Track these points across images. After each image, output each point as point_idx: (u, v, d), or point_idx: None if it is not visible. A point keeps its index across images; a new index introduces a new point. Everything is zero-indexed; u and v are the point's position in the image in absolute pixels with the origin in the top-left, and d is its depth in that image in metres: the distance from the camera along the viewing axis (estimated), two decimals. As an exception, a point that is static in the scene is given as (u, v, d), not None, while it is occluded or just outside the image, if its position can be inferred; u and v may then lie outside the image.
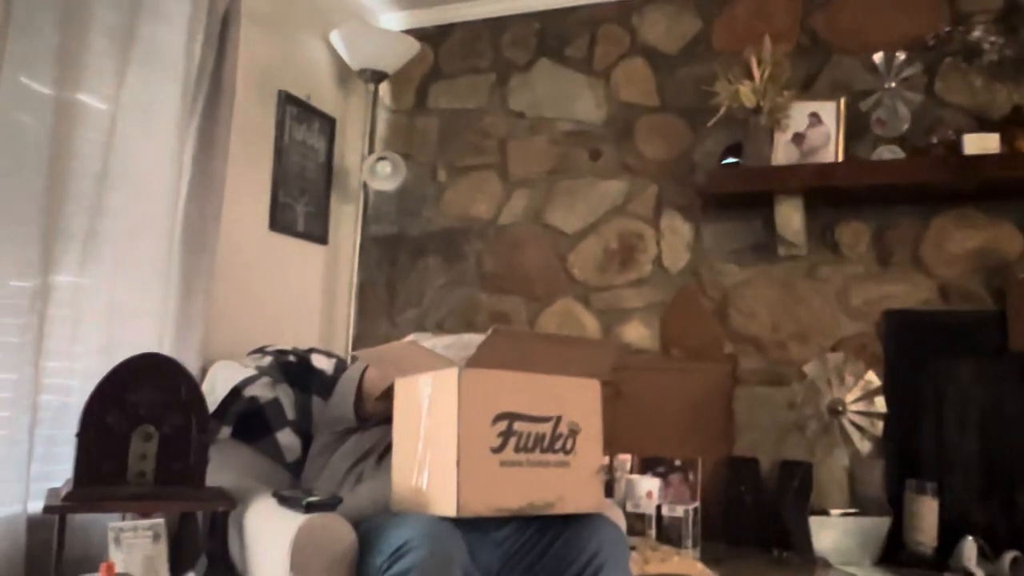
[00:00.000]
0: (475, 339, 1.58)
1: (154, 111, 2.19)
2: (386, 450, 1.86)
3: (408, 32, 3.12)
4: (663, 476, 2.51)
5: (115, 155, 2.06)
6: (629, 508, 2.37)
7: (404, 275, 3.11)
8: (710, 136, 2.70)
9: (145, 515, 1.61)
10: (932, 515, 2.27)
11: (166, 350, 2.08)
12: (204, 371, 2.22)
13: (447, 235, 3.07)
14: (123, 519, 1.62)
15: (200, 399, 1.72)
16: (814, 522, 2.30)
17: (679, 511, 2.35)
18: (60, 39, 1.90)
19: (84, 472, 1.58)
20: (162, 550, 1.59)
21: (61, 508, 1.55)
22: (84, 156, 1.98)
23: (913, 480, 2.33)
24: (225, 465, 1.94)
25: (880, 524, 2.30)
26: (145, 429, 1.65)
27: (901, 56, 2.46)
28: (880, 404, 2.34)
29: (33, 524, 1.78)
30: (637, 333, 2.77)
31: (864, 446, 2.35)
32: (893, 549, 2.30)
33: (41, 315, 1.85)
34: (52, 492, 1.65)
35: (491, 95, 3.08)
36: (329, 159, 3.02)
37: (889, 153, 2.41)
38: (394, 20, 3.20)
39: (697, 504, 2.43)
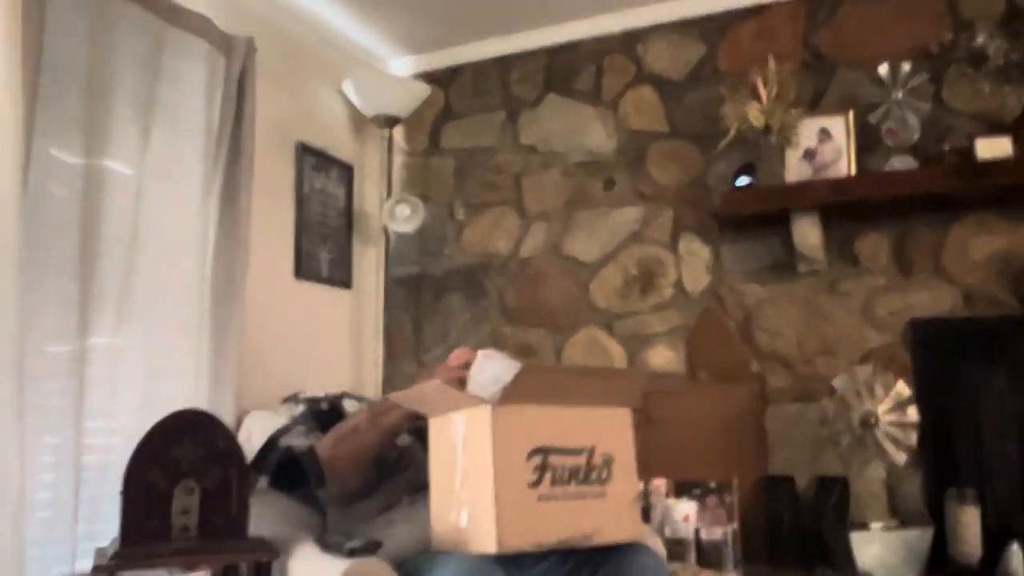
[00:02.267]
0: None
1: (178, 172, 2.25)
2: (416, 491, 1.89)
3: (418, 76, 3.19)
4: (699, 499, 2.50)
5: (143, 217, 2.12)
6: (667, 533, 2.37)
7: (428, 314, 3.15)
8: (722, 158, 2.73)
9: (191, 569, 1.63)
10: (975, 524, 2.24)
11: (202, 404, 2.12)
12: (239, 422, 2.26)
13: (468, 272, 3.11)
14: (170, 574, 1.65)
15: (238, 451, 1.74)
16: (855, 537, 2.27)
17: (718, 533, 2.35)
18: (85, 110, 1.98)
19: (129, 530, 1.60)
20: (209, 603, 1.61)
21: (109, 567, 1.57)
22: (113, 220, 2.05)
23: (953, 489, 2.31)
24: (265, 515, 1.96)
25: (923, 536, 2.28)
26: (187, 484, 1.67)
27: (906, 66, 2.48)
28: (912, 414, 2.33)
29: (82, 584, 1.81)
30: (663, 357, 2.78)
31: (900, 457, 2.33)
32: (937, 561, 2.26)
33: (80, 377, 1.90)
34: (100, 552, 1.67)
35: (503, 132, 3.13)
36: (349, 205, 3.08)
37: (901, 163, 2.42)
38: (404, 65, 3.27)
39: (735, 525, 2.42)
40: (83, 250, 1.93)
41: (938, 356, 2.44)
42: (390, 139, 3.14)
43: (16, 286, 1.73)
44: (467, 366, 1.80)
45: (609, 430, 1.65)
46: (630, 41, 2.96)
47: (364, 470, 1.89)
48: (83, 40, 1.98)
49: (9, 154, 1.75)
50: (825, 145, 2.54)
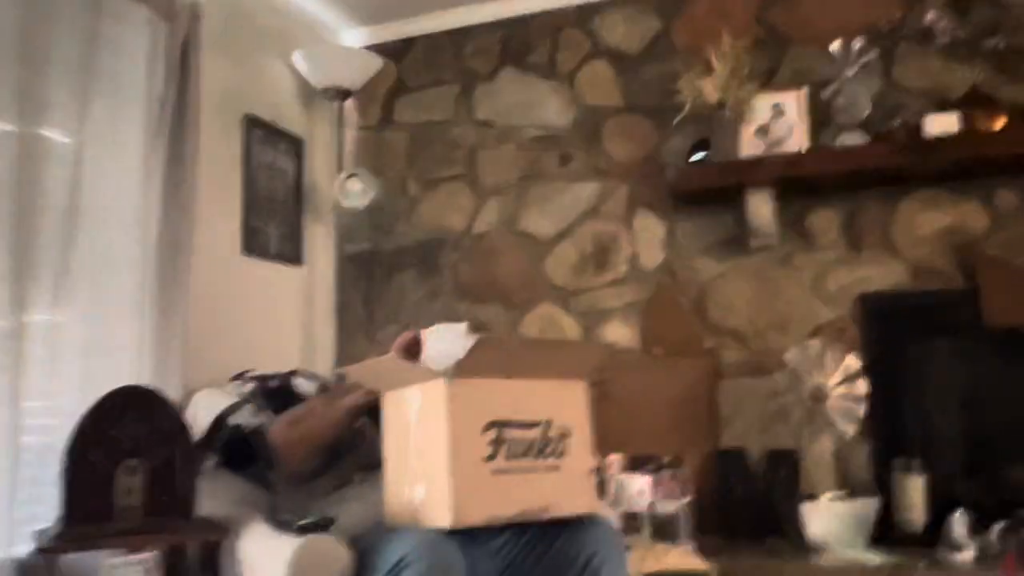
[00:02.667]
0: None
1: (119, 143, 2.17)
2: (369, 469, 1.86)
3: (370, 48, 3.12)
4: (653, 473, 2.51)
5: (82, 189, 2.04)
6: (622, 508, 2.37)
7: (381, 291, 3.10)
8: (677, 134, 2.73)
9: (136, 549, 1.59)
10: (920, 493, 2.30)
11: (146, 382, 2.06)
12: (186, 401, 2.20)
13: (422, 248, 3.07)
14: (114, 555, 1.60)
15: (184, 429, 1.70)
16: (805, 508, 2.32)
17: (671, 507, 2.36)
18: (20, 76, 1.89)
19: (71, 511, 1.55)
20: (156, 585, 1.56)
21: (51, 549, 1.52)
22: (51, 192, 1.96)
23: (900, 460, 2.36)
24: (214, 495, 1.92)
25: (870, 505, 2.33)
26: (129, 463, 1.62)
27: (858, 43, 2.50)
28: (861, 387, 2.37)
29: (22, 568, 1.74)
30: (618, 333, 2.78)
31: (849, 429, 2.37)
32: (885, 529, 2.32)
33: (17, 355, 1.82)
34: (40, 533, 1.62)
35: (457, 106, 3.09)
36: (299, 180, 3.01)
37: (852, 140, 2.45)
38: (355, 37, 3.20)
39: (689, 499, 2.43)
40: (18, 222, 1.85)
41: (886, 329, 2.49)
42: (341, 112, 3.08)
43: (-54, 259, 1.65)
44: (414, 346, 1.77)
45: (565, 403, 1.64)
46: (586, 15, 2.94)
47: (318, 454, 1.85)
48: (17, 3, 1.88)
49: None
50: (778, 121, 2.55)
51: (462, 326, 1.89)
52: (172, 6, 2.29)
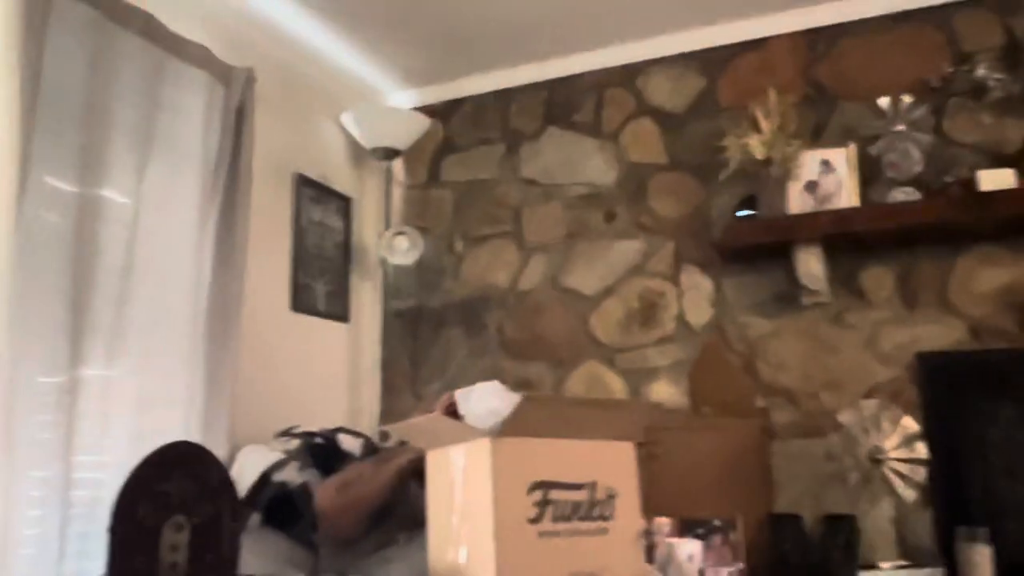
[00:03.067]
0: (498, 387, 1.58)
1: (175, 202, 2.23)
2: (412, 528, 1.83)
3: (418, 109, 3.18)
4: (703, 538, 2.43)
5: (138, 247, 2.10)
6: (671, 573, 2.30)
7: (427, 348, 3.11)
8: (723, 191, 2.71)
9: (179, 609, 1.57)
10: (986, 563, 2.18)
11: (194, 437, 2.08)
12: (232, 456, 2.21)
13: (467, 305, 3.07)
14: (157, 614, 1.59)
15: (230, 486, 1.69)
16: (864, 577, 2.22)
17: (723, 574, 2.28)
18: (82, 138, 1.96)
19: (117, 568, 1.55)
20: (198, 645, 1.54)
21: (95, 607, 1.52)
22: (108, 250, 2.02)
23: (964, 528, 2.25)
24: (257, 553, 1.91)
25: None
26: (176, 520, 1.62)
27: (907, 99, 2.48)
28: (921, 450, 2.28)
29: (67, 624, 1.75)
30: (665, 392, 2.73)
31: (909, 494, 2.28)
32: (950, 601, 2.21)
33: (70, 410, 1.85)
34: (85, 590, 1.62)
35: (503, 165, 3.12)
36: (347, 237, 3.05)
37: (904, 195, 2.41)
38: (404, 98, 3.27)
39: (741, 565, 2.35)
40: (76, 279, 1.90)
41: (946, 390, 2.40)
42: (389, 171, 3.13)
43: (7, 314, 1.69)
44: (453, 408, 1.75)
45: (612, 464, 1.61)
46: (630, 74, 2.96)
47: (366, 519, 1.83)
48: (82, 68, 1.97)
49: (4, 181, 1.73)
50: (827, 177, 2.53)
51: (501, 385, 1.86)
52: (229, 71, 2.37)
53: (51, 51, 1.87)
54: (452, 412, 1.76)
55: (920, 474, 2.27)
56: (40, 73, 1.84)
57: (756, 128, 2.53)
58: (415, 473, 1.83)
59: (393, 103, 3.27)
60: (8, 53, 1.76)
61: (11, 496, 1.68)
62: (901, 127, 2.47)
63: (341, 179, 3.06)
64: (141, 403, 2.06)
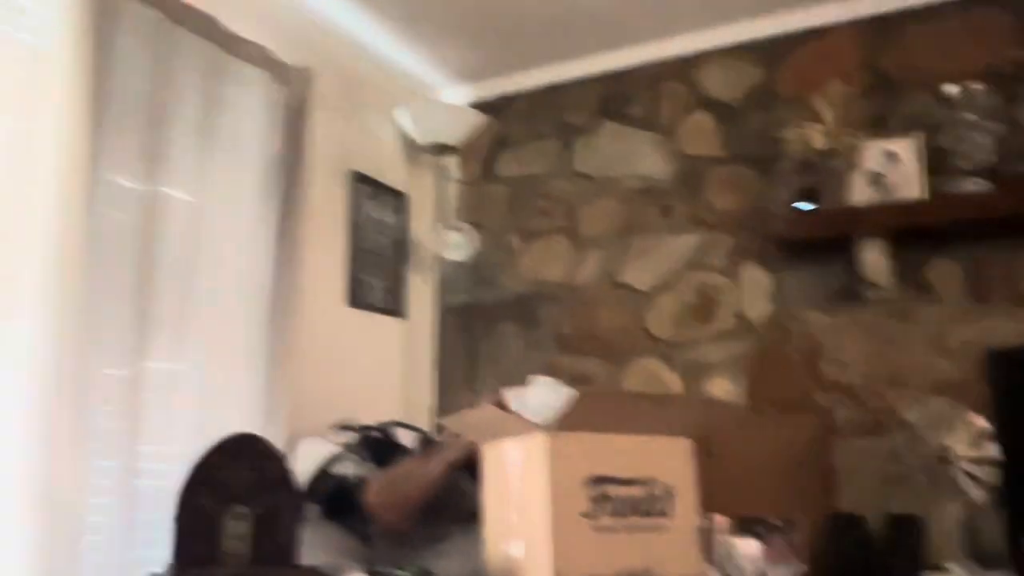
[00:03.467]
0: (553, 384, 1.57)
1: (234, 199, 2.28)
2: (466, 521, 1.83)
3: (472, 105, 3.19)
4: (763, 537, 2.39)
5: (199, 243, 2.14)
6: (729, 573, 2.26)
7: (482, 344, 3.11)
8: (781, 184, 2.65)
9: (241, 597, 1.60)
10: (1061, 568, 2.10)
11: (254, 429, 2.10)
12: (290, 448, 2.24)
13: (522, 301, 3.07)
14: (220, 602, 1.62)
15: (290, 478, 1.72)
16: (931, 580, 2.15)
17: (784, 574, 2.23)
18: (146, 137, 2.01)
19: (182, 556, 1.58)
20: (259, 632, 1.57)
21: (160, 594, 1.55)
22: (171, 245, 2.07)
23: (1037, 530, 2.17)
24: (316, 544, 1.93)
25: (1005, 580, 2.14)
26: (238, 510, 1.65)
27: (977, 86, 2.39)
28: (992, 449, 2.20)
29: (134, 610, 1.79)
30: (722, 388, 2.69)
31: (978, 495, 2.20)
32: (1022, 607, 2.12)
33: (135, 401, 1.90)
34: (151, 577, 1.66)
35: (557, 160, 3.11)
36: (402, 234, 3.07)
37: (975, 186, 2.32)
38: (457, 94, 3.28)
39: (804, 567, 2.30)
40: (140, 274, 1.95)
41: (1018, 387, 2.31)
42: (444, 168, 3.14)
43: (77, 308, 1.75)
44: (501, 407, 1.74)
45: (669, 460, 1.59)
46: (686, 66, 2.92)
47: (414, 514, 1.84)
48: (145, 69, 2.02)
49: (77, 181, 1.78)
50: (892, 168, 2.45)
51: (555, 381, 1.85)
52: (287, 70, 2.41)
53: (116, 53, 1.92)
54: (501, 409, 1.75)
55: (991, 475, 2.19)
56: (107, 75, 1.89)
57: (817, 119, 2.47)
58: (465, 466, 1.84)
59: (447, 99, 3.28)
60: (77, 55, 1.81)
61: (80, 485, 1.73)
62: (971, 116, 2.38)
63: (396, 175, 3.08)
64: (203, 395, 2.11)
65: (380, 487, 1.88)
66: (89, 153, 1.82)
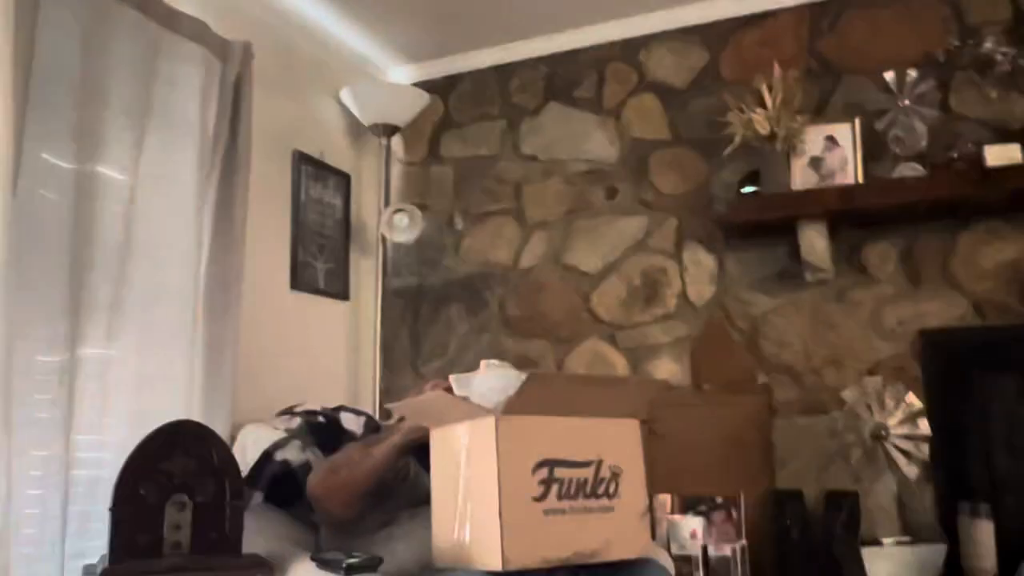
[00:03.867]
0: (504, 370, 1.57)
1: (172, 179, 2.20)
2: (415, 505, 1.83)
3: (417, 84, 3.15)
4: (705, 515, 2.44)
5: (136, 224, 2.07)
6: (674, 550, 2.30)
7: (427, 326, 3.09)
8: (726, 166, 2.69)
9: (183, 587, 1.57)
10: (989, 539, 2.19)
11: (195, 416, 2.06)
12: (233, 435, 2.20)
13: (468, 283, 3.06)
14: (161, 593, 1.58)
15: (233, 465, 1.68)
16: (867, 553, 2.22)
17: (726, 550, 2.29)
18: (78, 113, 1.93)
19: (119, 546, 1.54)
20: (202, 623, 1.54)
21: (98, 586, 1.51)
22: (106, 227, 1.99)
23: (966, 503, 2.26)
24: (259, 531, 1.90)
25: (936, 551, 2.22)
26: (178, 498, 1.61)
27: (913, 73, 2.45)
28: (924, 427, 2.28)
29: (70, 603, 1.74)
30: (667, 369, 2.73)
31: (911, 471, 2.28)
32: (951, 576, 2.21)
33: (70, 389, 1.84)
34: (88, 569, 1.61)
35: (503, 141, 3.09)
36: (346, 215, 3.03)
37: (910, 171, 2.39)
38: (402, 74, 3.23)
39: (744, 542, 2.36)
40: (74, 257, 1.88)
41: (949, 366, 2.40)
42: (388, 148, 3.10)
43: (5, 293, 1.67)
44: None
45: (617, 442, 1.60)
46: (632, 48, 2.93)
47: (359, 501, 1.81)
48: (76, 43, 1.93)
49: (1, 157, 1.70)
50: (831, 152, 2.50)
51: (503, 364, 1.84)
52: (226, 45, 2.34)
53: (44, 24, 1.84)
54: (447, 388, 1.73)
55: (923, 450, 2.27)
56: (34, 48, 1.81)
57: (760, 103, 2.50)
58: (412, 451, 1.82)
59: (392, 79, 3.23)
60: (1, 27, 1.73)
61: (12, 475, 1.66)
62: (906, 102, 2.45)
63: (340, 156, 3.02)
64: (141, 382, 2.05)
65: (322, 476, 1.84)
66: (15, 130, 1.74)
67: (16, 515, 1.69)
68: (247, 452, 2.10)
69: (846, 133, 2.50)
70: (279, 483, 2.04)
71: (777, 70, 2.49)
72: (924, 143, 2.42)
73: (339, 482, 1.80)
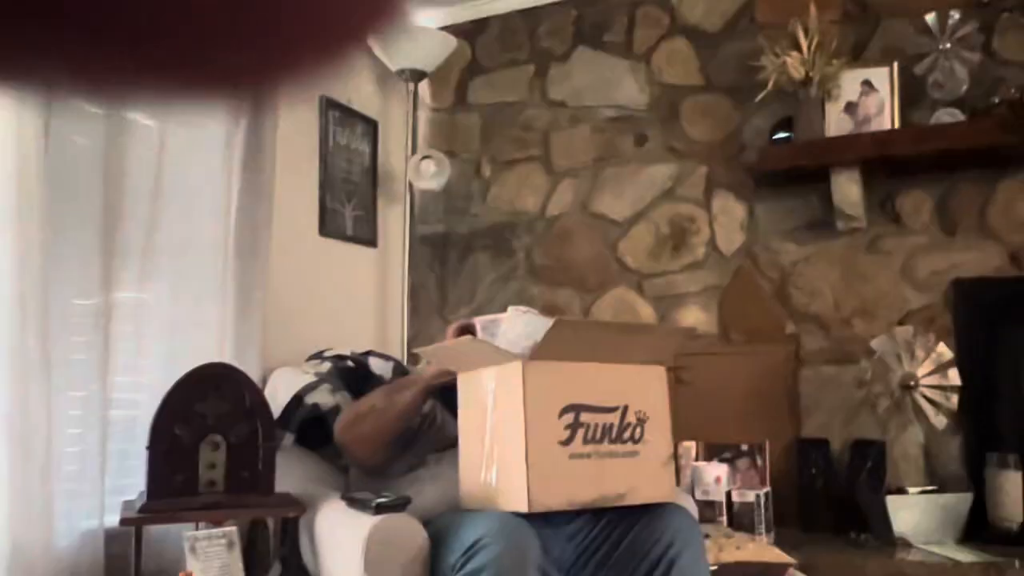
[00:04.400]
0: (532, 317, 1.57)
1: (200, 125, 2.21)
2: (442, 449, 1.86)
3: (444, 28, 3.10)
4: (730, 462, 2.45)
5: (166, 171, 2.08)
6: (698, 495, 2.33)
7: (454, 273, 3.10)
8: (758, 113, 2.64)
9: (218, 524, 1.62)
10: (1016, 489, 2.18)
11: (227, 360, 2.10)
12: (264, 379, 2.24)
13: (495, 230, 3.05)
14: (196, 528, 1.64)
15: (265, 407, 1.72)
16: (891, 502, 2.23)
17: (750, 496, 2.30)
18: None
19: (156, 484, 1.59)
20: (236, 557, 1.59)
21: (137, 520, 1.57)
22: (136, 174, 2.01)
23: (994, 454, 2.24)
24: (291, 472, 1.95)
25: (961, 501, 2.22)
26: (213, 439, 1.66)
27: (955, 15, 2.37)
28: (954, 377, 2.26)
29: (110, 537, 1.81)
30: (694, 318, 2.72)
31: (940, 421, 2.27)
32: (976, 526, 2.21)
33: (105, 332, 1.88)
34: (127, 505, 1.67)
35: (531, 87, 3.05)
36: (374, 162, 3.02)
37: (949, 117, 2.32)
38: (430, 17, 3.19)
39: (768, 489, 2.37)
40: (106, 202, 1.90)
41: (981, 317, 2.37)
42: (415, 94, 3.07)
43: (41, 237, 1.70)
44: (466, 335, 1.71)
45: (643, 388, 1.61)
46: (664, -9, 2.86)
47: (383, 449, 1.84)
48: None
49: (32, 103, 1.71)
50: (867, 98, 2.44)
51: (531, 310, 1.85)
52: (252, -11, 2.31)
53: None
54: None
55: (952, 401, 2.25)
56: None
57: (795, 47, 2.44)
58: (436, 395, 1.84)
59: (419, 23, 3.18)
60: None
61: (52, 414, 1.71)
62: (947, 45, 2.37)
63: (367, 102, 3.01)
64: (174, 325, 2.08)
65: (348, 423, 1.87)
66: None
67: (57, 453, 1.74)
68: (278, 395, 2.14)
69: (883, 77, 2.43)
70: (309, 426, 2.08)
71: (813, 12, 2.42)
72: (964, 88, 2.35)
73: (365, 431, 1.83)
